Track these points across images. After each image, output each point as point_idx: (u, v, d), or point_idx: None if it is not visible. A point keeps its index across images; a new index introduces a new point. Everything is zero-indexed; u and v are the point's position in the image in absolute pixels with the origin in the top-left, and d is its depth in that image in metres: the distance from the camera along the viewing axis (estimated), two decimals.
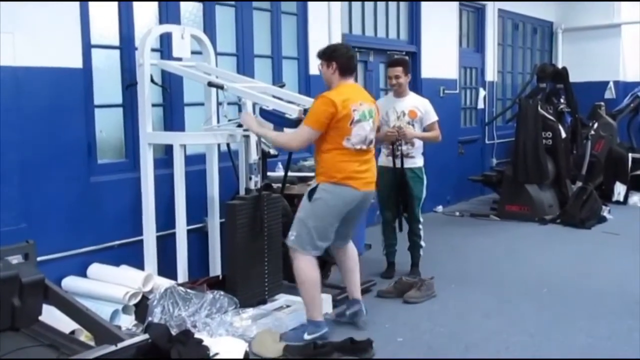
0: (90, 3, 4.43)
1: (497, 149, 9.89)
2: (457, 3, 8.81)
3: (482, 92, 9.64)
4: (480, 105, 9.66)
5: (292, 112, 4.03)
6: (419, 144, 5.44)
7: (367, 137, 4.08)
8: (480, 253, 6.41)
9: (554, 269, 5.71)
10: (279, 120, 4.03)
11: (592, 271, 5.72)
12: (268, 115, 4.09)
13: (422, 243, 5.54)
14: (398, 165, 5.34)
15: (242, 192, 4.61)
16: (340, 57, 4.11)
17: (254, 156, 4.50)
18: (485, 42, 9.66)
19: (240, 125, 4.38)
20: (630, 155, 9.09)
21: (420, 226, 5.50)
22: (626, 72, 11.39)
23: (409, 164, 5.37)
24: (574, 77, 8.81)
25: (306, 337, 4.04)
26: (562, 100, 8.52)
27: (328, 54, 4.16)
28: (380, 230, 5.70)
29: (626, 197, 8.94)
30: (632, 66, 11.34)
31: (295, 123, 4.02)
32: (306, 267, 4.07)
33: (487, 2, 9.51)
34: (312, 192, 4.06)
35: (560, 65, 10.01)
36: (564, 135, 8.22)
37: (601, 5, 11.18)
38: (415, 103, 5.45)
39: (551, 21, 11.62)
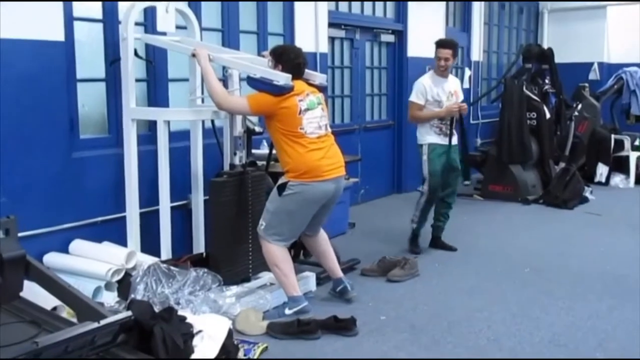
0: None
1: (481, 129, 9.90)
2: None
3: (467, 72, 9.62)
4: (466, 84, 9.63)
5: (280, 78, 4.00)
6: None
7: (319, 123, 4.13)
8: (463, 233, 6.43)
9: (536, 248, 5.75)
10: (266, 87, 4.01)
11: (573, 251, 5.77)
12: (255, 83, 4.06)
13: None
14: (452, 142, 5.57)
15: (226, 167, 4.58)
16: (286, 62, 4.16)
17: (239, 128, 4.46)
18: (472, 21, 9.63)
19: (194, 55, 4.31)
20: (612, 136, 9.16)
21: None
22: (610, 53, 11.43)
23: (454, 140, 5.60)
24: (558, 58, 8.83)
25: (287, 312, 4.08)
26: (546, 81, 8.54)
27: (276, 56, 4.22)
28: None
29: (608, 178, 9.02)
30: (617, 48, 11.38)
31: (284, 89, 4.00)
32: (274, 249, 4.14)
33: None
34: (282, 188, 4.07)
35: (545, 46, 10.01)
36: (548, 116, 8.24)
37: None
38: (457, 83, 5.79)
39: (537, 1, 11.60)
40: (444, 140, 5.52)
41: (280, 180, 4.13)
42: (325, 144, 4.14)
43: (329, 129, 4.26)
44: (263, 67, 4.23)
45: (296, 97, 4.06)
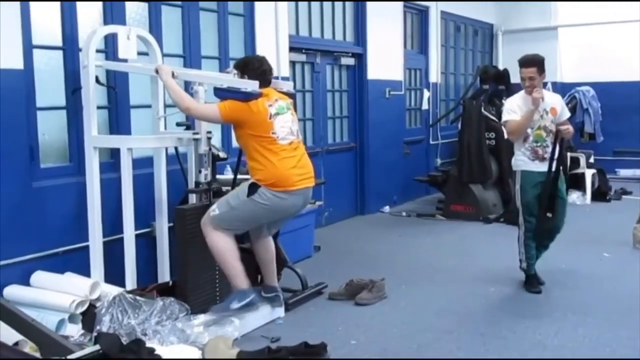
0: (31, 3, 4.28)
1: (441, 149, 10.04)
2: (401, 5, 8.89)
3: (426, 93, 9.77)
4: (425, 106, 9.80)
5: (248, 86, 3.99)
6: None
7: (291, 128, 4.14)
8: (428, 253, 6.49)
9: (500, 267, 5.82)
10: (234, 95, 3.98)
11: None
12: (223, 92, 4.04)
13: None
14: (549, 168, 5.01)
15: (191, 186, 4.56)
16: (251, 72, 4.18)
17: (204, 147, 4.43)
18: (429, 43, 9.80)
19: (157, 72, 4.30)
20: (568, 154, 9.36)
21: None
22: (563, 73, 11.76)
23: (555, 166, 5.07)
24: (514, 79, 8.95)
25: (234, 306, 4.06)
26: (504, 101, 8.70)
27: (241, 67, 4.24)
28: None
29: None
30: (569, 68, 11.72)
31: (252, 95, 3.99)
32: (220, 238, 4.08)
33: (431, 2, 9.64)
34: (254, 190, 4.02)
35: (500, 67, 10.23)
36: (506, 135, 8.39)
37: (539, 8, 11.53)
38: (554, 100, 5.27)
39: (491, 23, 11.88)
40: (539, 167, 5.02)
41: (253, 180, 4.07)
42: (297, 152, 4.13)
43: (300, 136, 4.27)
44: (230, 78, 4.22)
45: (265, 101, 4.05)
